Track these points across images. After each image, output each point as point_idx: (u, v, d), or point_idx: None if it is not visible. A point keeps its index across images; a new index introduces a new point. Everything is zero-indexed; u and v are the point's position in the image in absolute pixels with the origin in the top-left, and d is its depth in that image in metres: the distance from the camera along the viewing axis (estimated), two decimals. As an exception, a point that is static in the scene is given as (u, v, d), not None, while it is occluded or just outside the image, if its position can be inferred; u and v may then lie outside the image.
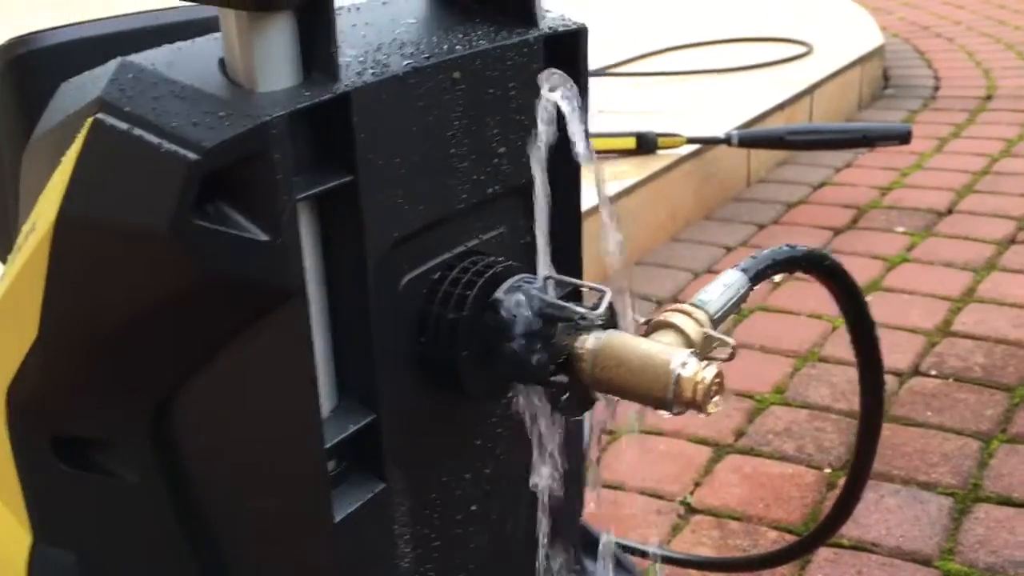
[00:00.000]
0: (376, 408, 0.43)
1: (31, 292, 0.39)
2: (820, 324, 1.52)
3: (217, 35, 0.39)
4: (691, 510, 1.12)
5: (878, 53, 2.74)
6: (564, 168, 0.49)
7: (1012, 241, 1.75)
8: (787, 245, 0.51)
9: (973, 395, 1.29)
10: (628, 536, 1.04)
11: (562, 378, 0.42)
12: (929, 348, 1.41)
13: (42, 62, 0.46)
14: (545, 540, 0.53)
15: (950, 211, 1.88)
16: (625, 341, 0.41)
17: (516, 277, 0.44)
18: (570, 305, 0.42)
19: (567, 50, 0.49)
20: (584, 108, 0.52)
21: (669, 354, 0.40)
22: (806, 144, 1.87)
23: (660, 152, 1.87)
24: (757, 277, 0.49)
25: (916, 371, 1.36)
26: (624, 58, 2.67)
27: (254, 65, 0.36)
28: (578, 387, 0.42)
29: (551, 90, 0.41)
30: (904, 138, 1.85)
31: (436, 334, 0.44)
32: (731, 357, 0.44)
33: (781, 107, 2.18)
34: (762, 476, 1.19)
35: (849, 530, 1.06)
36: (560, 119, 0.49)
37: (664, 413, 0.42)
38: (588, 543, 0.65)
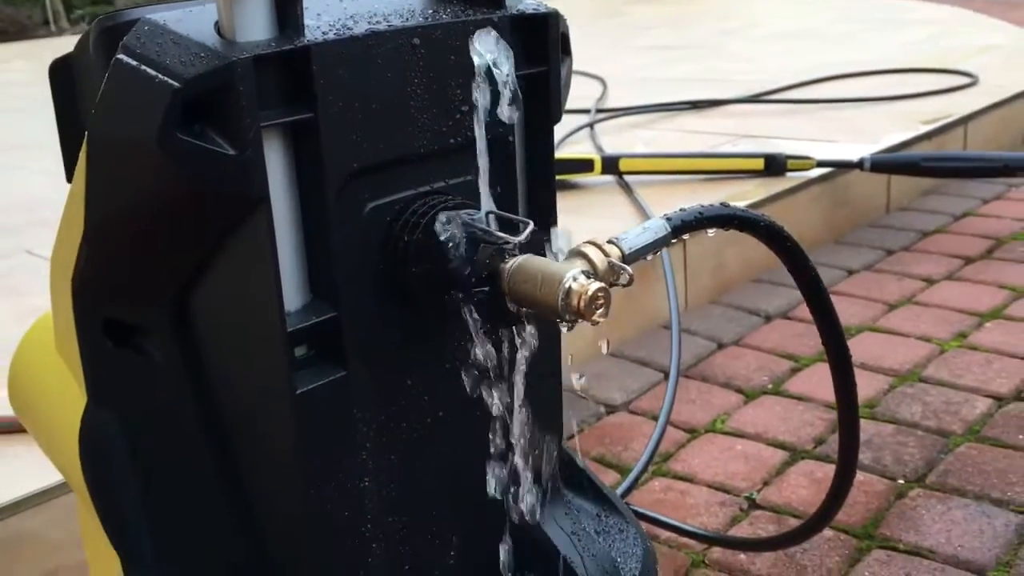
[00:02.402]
0: (337, 306, 0.53)
1: (79, 196, 0.52)
2: (927, 346, 1.51)
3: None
4: (754, 505, 1.16)
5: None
6: (539, 119, 0.58)
7: None
8: (721, 203, 0.57)
9: (1072, 424, 1.26)
10: (687, 521, 1.10)
11: (484, 290, 0.51)
12: (1036, 376, 1.38)
13: (125, 31, 0.59)
14: (504, 459, 0.61)
15: (1097, 246, 1.80)
16: (535, 261, 0.50)
17: (463, 211, 0.53)
18: (496, 232, 0.51)
19: (536, 32, 0.58)
20: (558, 81, 0.60)
21: (563, 270, 0.48)
22: (942, 171, 1.84)
23: (790, 175, 1.89)
24: (679, 228, 0.55)
25: (1017, 397, 1.33)
26: (784, 84, 2.69)
27: (234, 21, 0.47)
28: (498, 299, 0.51)
29: (479, 47, 0.50)
30: (1051, 169, 1.78)
31: (392, 253, 0.53)
32: (629, 283, 0.51)
33: (929, 136, 2.15)
34: (829, 481, 1.20)
35: (908, 535, 1.07)
36: (532, 83, 0.58)
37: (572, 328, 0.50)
38: (573, 475, 0.72)
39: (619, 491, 1.12)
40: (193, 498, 0.58)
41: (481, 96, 0.53)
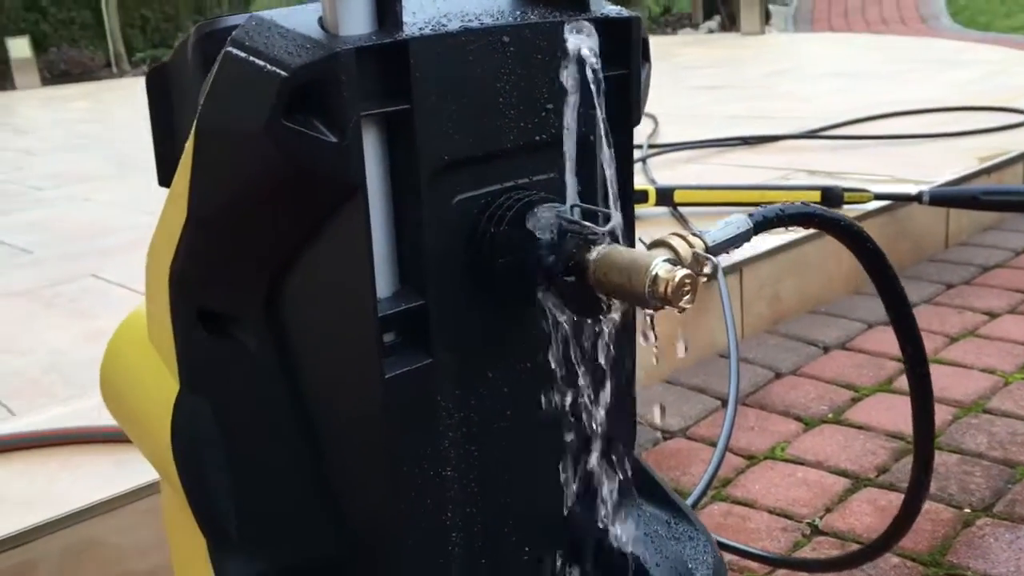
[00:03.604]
0: (424, 295, 0.54)
1: (182, 190, 0.54)
2: (992, 378, 1.49)
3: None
4: (817, 531, 1.15)
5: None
6: (620, 119, 0.60)
7: None
8: (802, 203, 0.58)
9: None
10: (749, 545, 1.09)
11: (571, 279, 0.52)
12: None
13: (223, 37, 0.61)
14: (579, 457, 0.62)
15: None
16: (621, 251, 0.51)
17: (548, 204, 0.55)
18: (582, 222, 0.52)
19: (619, 35, 0.60)
20: (638, 83, 0.62)
21: (650, 258, 0.49)
22: (1000, 205, 1.83)
23: (847, 207, 1.89)
24: (762, 224, 0.56)
25: (1084, 426, 1.31)
26: (838, 121, 2.69)
27: (337, 16, 0.49)
28: (585, 288, 0.52)
29: (575, 34, 0.52)
30: (1113, 203, 1.76)
31: (479, 244, 0.55)
32: (713, 273, 0.52)
33: (987, 172, 2.13)
34: (896, 509, 1.19)
35: (976, 563, 1.05)
36: (614, 84, 0.60)
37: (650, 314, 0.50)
38: (646, 485, 0.72)
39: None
40: (281, 484, 0.59)
41: (571, 85, 0.54)
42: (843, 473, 1.26)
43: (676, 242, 0.52)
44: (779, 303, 1.75)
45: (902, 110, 2.74)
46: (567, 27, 0.54)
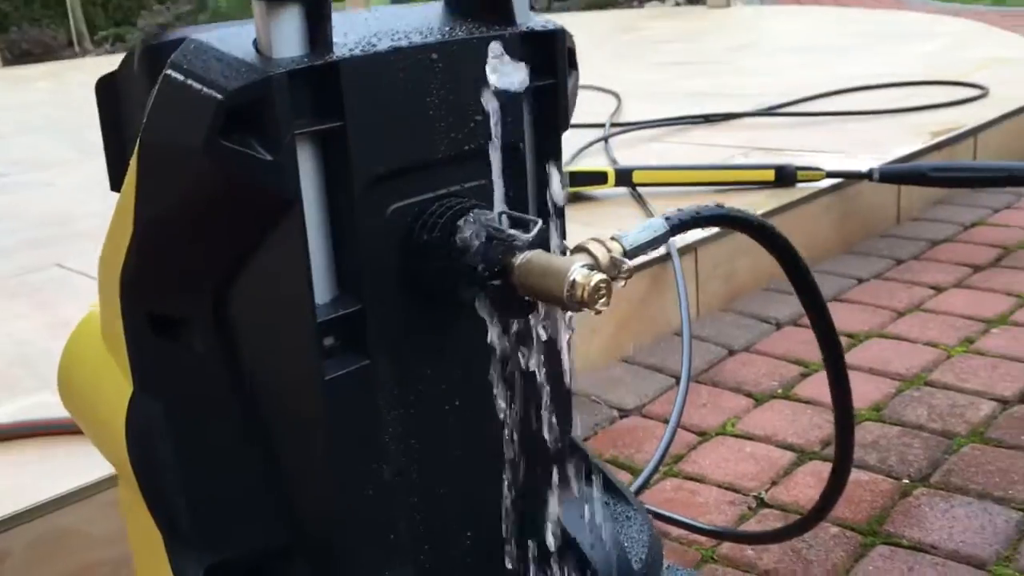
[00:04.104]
0: (361, 300, 0.58)
1: (128, 200, 0.57)
2: (935, 352, 1.54)
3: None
4: (762, 504, 1.19)
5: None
6: (549, 126, 0.63)
7: None
8: (716, 203, 0.61)
9: (1074, 426, 1.29)
10: (697, 519, 1.13)
11: (496, 283, 0.55)
12: (1040, 380, 1.41)
13: (166, 52, 0.64)
14: (518, 446, 0.66)
15: (1102, 254, 1.83)
16: (543, 256, 0.54)
17: (477, 211, 0.58)
18: (507, 229, 0.56)
19: (546, 47, 0.63)
20: (565, 92, 0.65)
21: (569, 263, 0.53)
22: (950, 181, 1.88)
23: (800, 185, 1.93)
24: (678, 227, 0.60)
25: (1022, 399, 1.36)
26: (796, 98, 2.73)
27: (270, 40, 0.52)
28: (510, 291, 0.55)
29: (492, 59, 0.55)
30: (1058, 179, 1.82)
31: (412, 251, 0.58)
32: (628, 275, 0.55)
33: (939, 147, 2.18)
34: (839, 481, 1.24)
35: (912, 532, 1.10)
36: (542, 94, 0.63)
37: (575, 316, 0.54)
38: (586, 469, 0.76)
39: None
40: (232, 479, 0.62)
41: (493, 105, 0.57)
42: (789, 447, 1.31)
43: (594, 247, 0.56)
44: (734, 280, 1.79)
45: (860, 85, 2.78)
46: (488, 63, 0.57)
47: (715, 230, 1.72)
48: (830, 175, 1.93)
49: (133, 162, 0.56)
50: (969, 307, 1.67)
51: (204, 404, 0.63)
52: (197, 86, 0.51)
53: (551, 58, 0.64)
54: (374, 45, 0.56)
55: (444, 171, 0.60)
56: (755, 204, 1.83)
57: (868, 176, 1.91)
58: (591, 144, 2.41)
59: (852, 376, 1.43)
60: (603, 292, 0.52)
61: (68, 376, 0.72)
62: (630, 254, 0.57)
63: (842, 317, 1.69)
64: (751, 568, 1.08)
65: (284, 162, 0.52)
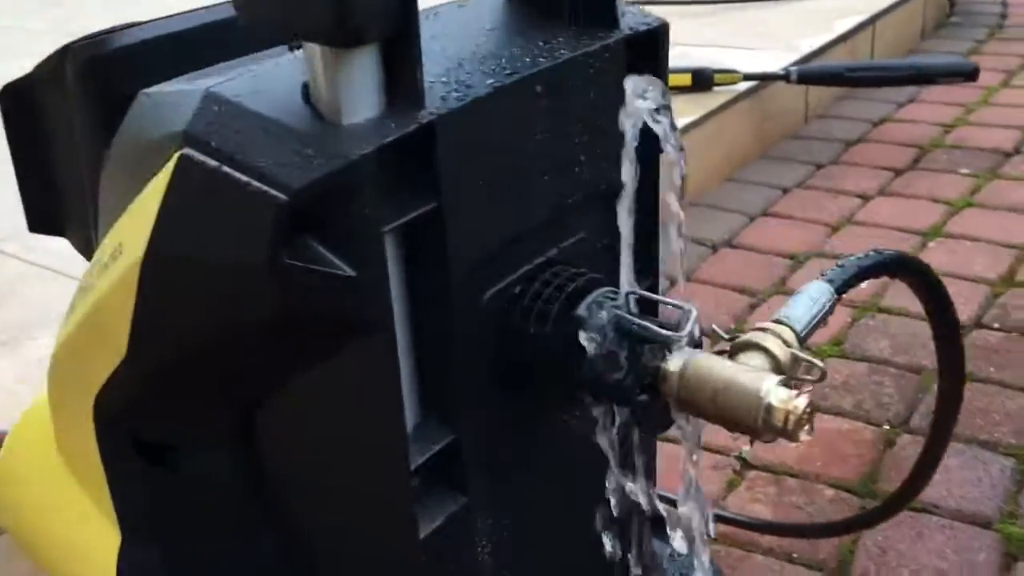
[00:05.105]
0: (456, 428, 0.43)
1: (119, 316, 0.40)
2: (880, 272, 1.49)
3: (296, 55, 0.38)
4: (747, 465, 1.12)
5: (943, -22, 2.64)
6: (643, 170, 0.48)
7: (1084, 185, 1.69)
8: (873, 250, 0.49)
9: (1038, 350, 1.27)
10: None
11: (645, 398, 0.41)
12: (992, 299, 1.38)
13: (115, 64, 0.45)
14: (618, 543, 0.53)
15: (1017, 151, 1.82)
16: (712, 364, 0.41)
17: (597, 292, 0.43)
18: (654, 327, 0.42)
19: (648, 49, 0.48)
20: (668, 104, 0.50)
21: (758, 381, 0.39)
22: (866, 81, 1.82)
23: (716, 89, 1.83)
24: (843, 287, 0.48)
25: (978, 324, 1.33)
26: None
27: (340, 97, 0.35)
28: (660, 406, 0.42)
29: (639, 97, 0.40)
30: (969, 75, 1.78)
31: (518, 349, 0.43)
32: (821, 378, 0.43)
33: (844, 39, 2.11)
34: (819, 432, 1.18)
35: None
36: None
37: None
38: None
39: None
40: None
41: (630, 138, 0.42)
42: (759, 395, 1.24)
43: (769, 342, 0.42)
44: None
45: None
46: (627, 86, 0.41)
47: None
48: (747, 77, 1.83)
49: (126, 276, 0.38)
50: (899, 218, 1.63)
51: (218, 541, 0.47)
52: (243, 179, 0.34)
53: (655, 58, 0.48)
54: (469, 87, 0.39)
55: (539, 234, 0.45)
56: (678, 112, 1.72)
57: (785, 78, 1.82)
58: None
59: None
60: (806, 419, 0.39)
61: (8, 489, 0.54)
62: (804, 340, 0.44)
63: (777, 234, 1.62)
64: (754, 547, 1.01)
65: (373, 277, 0.36)
